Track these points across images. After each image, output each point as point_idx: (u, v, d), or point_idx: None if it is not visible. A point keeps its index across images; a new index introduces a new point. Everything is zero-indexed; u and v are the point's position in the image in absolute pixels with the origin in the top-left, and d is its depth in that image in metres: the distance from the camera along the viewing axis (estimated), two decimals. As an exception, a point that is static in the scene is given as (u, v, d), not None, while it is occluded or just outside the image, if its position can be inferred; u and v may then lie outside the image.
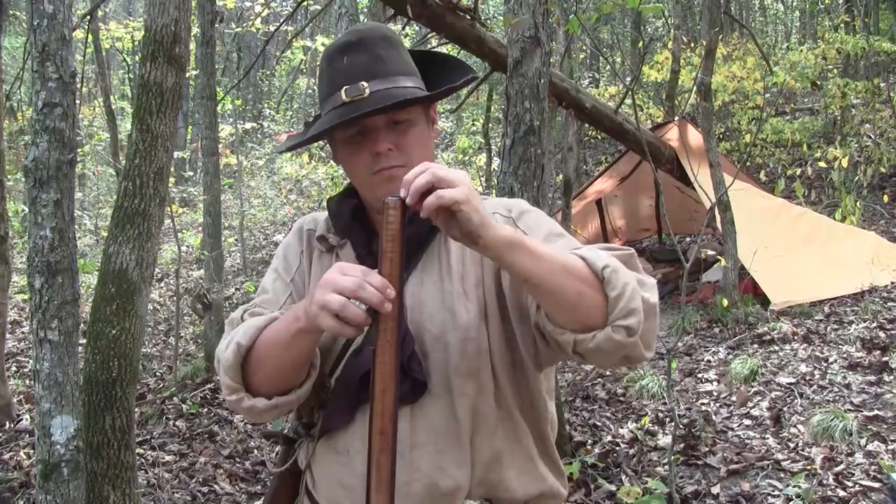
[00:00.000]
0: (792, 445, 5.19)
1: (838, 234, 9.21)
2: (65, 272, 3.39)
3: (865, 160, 13.20)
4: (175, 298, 9.47)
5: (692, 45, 16.49)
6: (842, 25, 17.46)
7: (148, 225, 4.09)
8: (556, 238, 1.70)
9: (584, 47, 16.64)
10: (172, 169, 6.31)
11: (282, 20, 12.04)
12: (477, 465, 1.69)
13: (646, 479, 4.84)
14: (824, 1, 19.94)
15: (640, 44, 18.51)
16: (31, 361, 4.03)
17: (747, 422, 5.70)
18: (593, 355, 1.53)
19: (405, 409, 1.65)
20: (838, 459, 4.86)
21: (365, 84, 1.67)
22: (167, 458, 5.97)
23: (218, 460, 5.96)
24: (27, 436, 6.08)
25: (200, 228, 10.87)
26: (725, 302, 7.95)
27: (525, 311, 1.66)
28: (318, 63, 1.88)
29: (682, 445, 5.25)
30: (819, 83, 15.37)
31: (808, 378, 6.20)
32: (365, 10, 12.40)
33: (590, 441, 5.57)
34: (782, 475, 4.80)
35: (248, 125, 16.30)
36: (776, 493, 4.58)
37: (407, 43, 20.25)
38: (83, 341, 4.21)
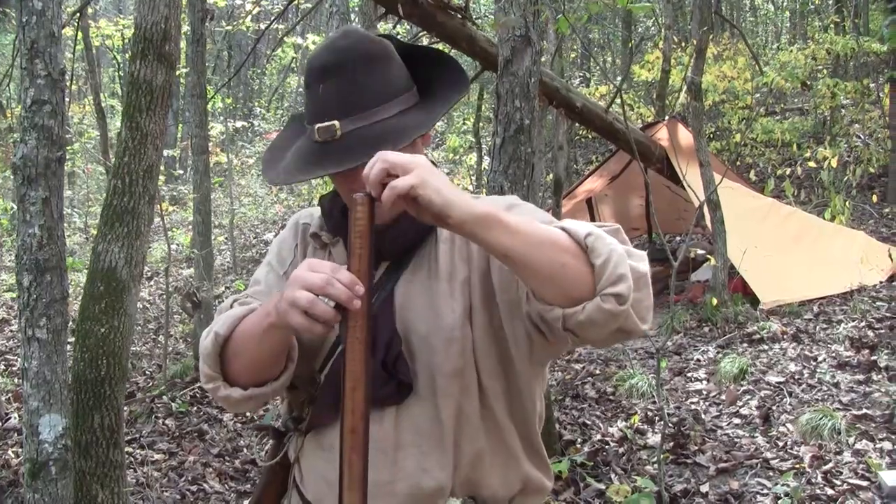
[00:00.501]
0: (781, 444, 5.20)
1: (827, 233, 9.24)
2: (53, 270, 3.38)
3: (855, 160, 13.25)
4: (165, 297, 9.45)
5: (683, 44, 16.51)
6: (832, 26, 17.50)
7: (137, 223, 4.08)
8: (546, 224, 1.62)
9: (575, 47, 16.64)
10: (162, 167, 6.30)
11: (272, 18, 12.02)
12: (461, 465, 1.68)
13: (635, 477, 4.85)
14: (814, 1, 19.98)
15: (631, 43, 18.52)
16: (19, 360, 4.02)
17: (736, 420, 5.71)
18: (585, 329, 1.47)
19: (391, 409, 1.65)
20: (827, 458, 4.88)
21: (337, 125, 1.60)
22: (156, 456, 5.96)
23: (207, 459, 5.95)
24: (15, 434, 6.06)
25: (190, 227, 10.86)
26: (715, 301, 7.96)
27: (516, 306, 1.62)
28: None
29: (671, 444, 5.26)
30: (809, 83, 15.41)
31: (797, 377, 6.22)
32: (356, 8, 12.38)
33: (579, 440, 5.57)
34: (771, 474, 4.81)
35: (239, 123, 16.29)
36: (765, 491, 4.59)
37: (398, 41, 20.19)
38: (72, 339, 4.21)
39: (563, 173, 9.79)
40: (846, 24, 17.19)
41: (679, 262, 4.78)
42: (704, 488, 4.70)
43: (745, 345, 7.15)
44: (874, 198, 11.74)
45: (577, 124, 11.10)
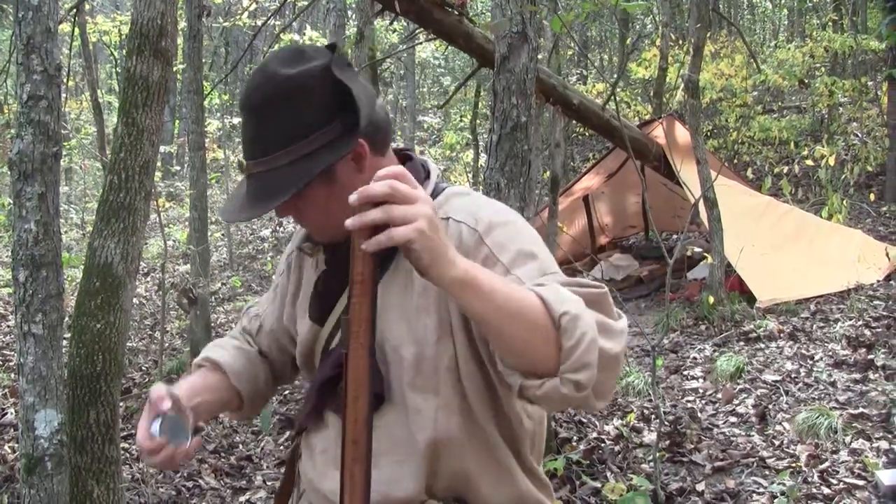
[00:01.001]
0: (777, 443, 5.20)
1: (825, 232, 9.24)
2: (49, 266, 3.37)
3: (852, 158, 13.26)
4: (161, 293, 9.44)
5: (680, 42, 16.51)
6: (829, 24, 17.53)
7: (133, 219, 4.07)
8: (525, 260, 1.58)
9: (572, 44, 16.64)
10: (159, 163, 6.29)
11: (269, 15, 11.99)
12: (439, 478, 1.67)
13: (631, 475, 4.85)
14: (812, -1, 20.00)
15: (628, 41, 18.52)
16: (15, 355, 4.02)
17: (733, 419, 5.71)
18: (539, 401, 1.46)
19: None
20: (823, 457, 4.88)
21: (250, 164, 1.63)
22: (152, 452, 5.95)
23: (203, 455, 5.95)
24: (11, 430, 6.06)
25: (187, 223, 10.85)
26: (711, 299, 7.96)
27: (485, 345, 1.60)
28: None
29: (667, 442, 5.26)
30: (806, 81, 15.41)
31: (793, 376, 6.22)
32: (353, 5, 12.36)
33: (575, 438, 5.57)
34: (767, 472, 4.81)
35: (236, 120, 16.21)
36: (761, 490, 4.59)
37: (394, 38, 20.08)
38: (68, 335, 4.20)
39: (559, 170, 9.78)
40: (844, 22, 17.22)
41: (675, 260, 4.77)
42: (700, 487, 4.70)
43: (741, 343, 7.15)
44: (872, 196, 11.76)
45: (573, 121, 11.09)
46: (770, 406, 5.77)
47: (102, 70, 22.31)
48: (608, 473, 4.98)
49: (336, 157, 1.59)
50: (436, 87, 27.52)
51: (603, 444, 5.41)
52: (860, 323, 7.06)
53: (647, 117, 13.06)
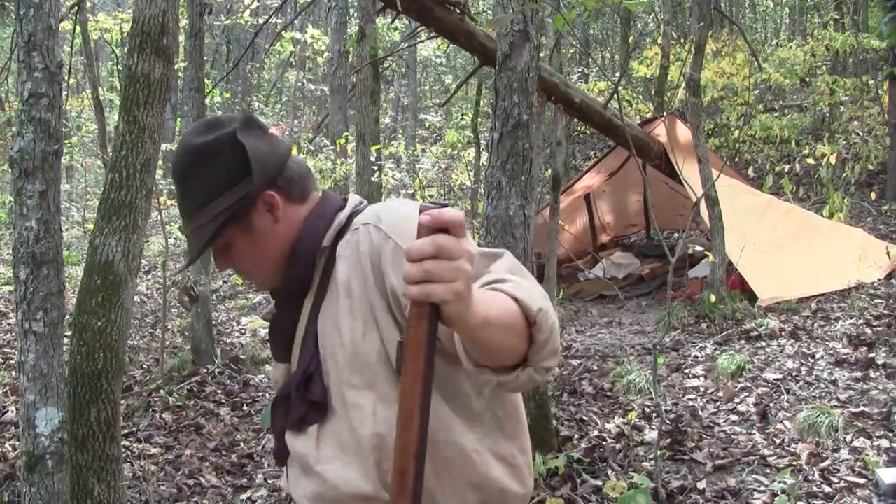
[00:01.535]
0: (778, 441, 5.20)
1: (826, 230, 9.24)
2: (50, 263, 3.37)
3: (853, 157, 13.26)
4: (162, 291, 9.44)
5: (682, 40, 16.52)
6: (831, 22, 17.51)
7: (134, 216, 4.08)
8: (486, 260, 1.66)
9: (574, 42, 16.63)
10: (160, 161, 6.29)
11: (271, 13, 12.01)
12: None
13: (632, 473, 4.84)
14: (814, -2, 19.99)
15: (630, 39, 18.51)
16: (16, 353, 4.02)
17: (734, 417, 5.71)
18: (513, 390, 1.59)
19: (313, 428, 1.75)
20: (824, 455, 4.87)
21: (185, 225, 1.82)
22: (153, 450, 5.96)
23: (204, 453, 5.95)
24: (12, 427, 6.06)
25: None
26: (713, 298, 7.96)
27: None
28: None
29: (668, 441, 5.26)
30: (808, 80, 15.40)
31: (794, 374, 6.22)
32: (355, 3, 12.37)
33: (576, 436, 5.57)
34: (768, 471, 4.80)
35: (237, 118, 16.21)
36: (762, 488, 4.58)
37: (396, 37, 20.06)
38: (69, 333, 4.20)
39: (561, 169, 9.78)
40: (845, 21, 17.19)
41: (677, 259, 4.77)
42: (701, 485, 4.70)
43: (742, 342, 7.14)
44: (872, 195, 11.75)
45: (575, 120, 11.09)
46: (771, 404, 5.77)
47: (104, 68, 22.35)
48: (609, 471, 4.98)
49: (240, 209, 1.76)
50: (437, 85, 27.53)
51: (604, 443, 5.41)
52: (861, 321, 7.05)
53: (649, 116, 13.05)
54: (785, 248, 8.63)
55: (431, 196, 14.34)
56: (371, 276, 1.70)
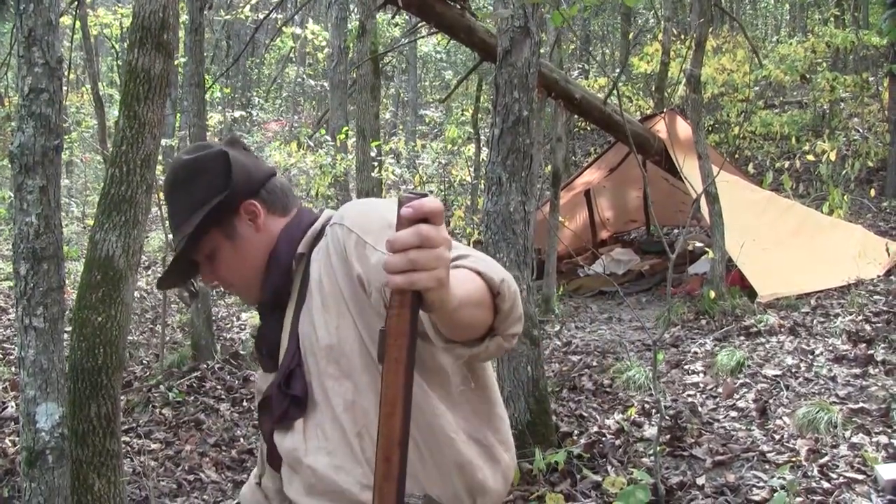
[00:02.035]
0: (777, 437, 5.20)
1: (825, 227, 9.24)
2: (50, 259, 3.37)
3: (853, 154, 13.25)
4: (162, 286, 9.42)
5: (682, 36, 16.52)
6: (831, 19, 17.48)
7: (135, 212, 4.08)
8: (388, 232, 1.64)
9: (574, 38, 16.63)
10: (160, 157, 6.29)
11: (271, 8, 11.99)
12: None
13: (631, 469, 4.85)
14: (814, -6, 19.98)
15: (630, 36, 18.50)
16: (16, 348, 4.02)
17: (733, 413, 5.71)
18: (484, 359, 1.65)
19: (299, 422, 1.82)
20: (823, 451, 4.88)
21: (174, 240, 1.93)
22: (153, 446, 5.97)
23: (204, 448, 5.96)
24: (12, 423, 6.06)
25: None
26: (712, 294, 7.96)
27: None
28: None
29: (667, 437, 5.26)
30: (808, 76, 15.42)
31: (793, 370, 6.22)
32: (355, -2, 12.36)
33: (576, 432, 5.57)
34: (767, 467, 4.81)
35: (237, 113, 16.24)
36: (761, 484, 4.59)
37: (397, 32, 20.03)
38: (69, 328, 4.20)
39: (561, 165, 9.79)
40: (846, 18, 17.18)
41: (676, 255, 4.77)
42: (701, 481, 4.70)
43: (742, 338, 7.14)
44: (872, 191, 11.74)
45: (575, 116, 11.09)
46: (770, 400, 5.77)
47: (103, 63, 22.31)
48: (609, 467, 4.98)
49: (223, 214, 1.87)
50: (437, 81, 27.50)
51: (604, 438, 5.41)
52: (860, 318, 7.05)
53: (649, 112, 13.05)
54: (785, 244, 8.63)
55: (431, 192, 14.33)
56: (340, 269, 1.77)
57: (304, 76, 22.01)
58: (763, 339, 6.96)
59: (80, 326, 3.99)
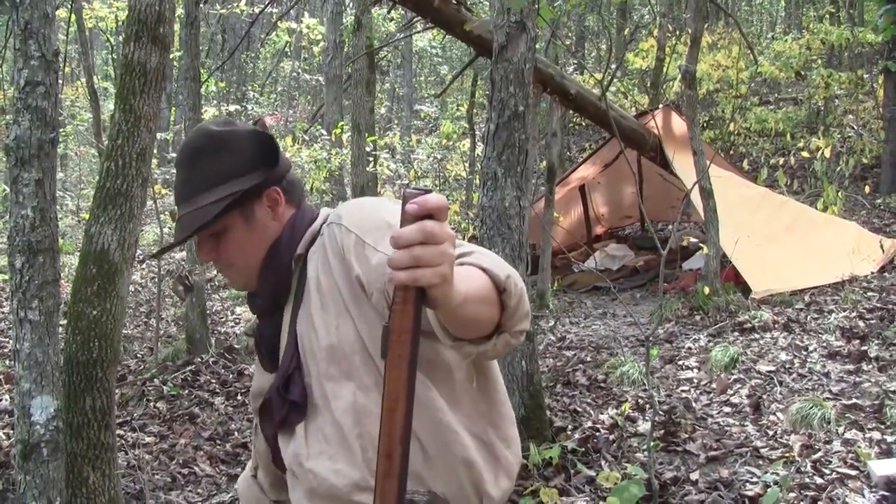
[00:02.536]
0: (771, 433, 5.22)
1: (820, 223, 9.26)
2: (46, 252, 3.37)
3: (848, 151, 13.29)
4: (156, 280, 9.44)
5: (678, 33, 16.50)
6: (826, 16, 17.52)
7: (130, 206, 4.08)
8: (385, 233, 1.67)
9: (570, 33, 16.63)
10: (155, 150, 6.29)
11: (267, 2, 11.98)
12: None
13: (625, 464, 4.86)
14: (810, -9, 19.98)
15: (626, 31, 18.51)
16: (11, 341, 4.02)
17: (727, 409, 5.73)
18: (493, 357, 1.64)
19: (300, 427, 1.80)
20: (816, 447, 4.89)
21: (181, 208, 1.87)
22: (147, 439, 5.97)
23: (198, 442, 5.96)
24: (7, 416, 6.06)
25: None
26: (707, 290, 7.98)
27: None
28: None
29: (661, 432, 5.28)
30: (803, 73, 15.43)
31: (787, 366, 6.24)
32: (351, -7, 12.35)
33: (570, 426, 5.58)
34: (761, 462, 4.82)
35: (232, 107, 16.22)
36: (754, 479, 4.60)
37: (392, 27, 20.00)
38: (64, 322, 4.20)
39: (556, 160, 9.79)
40: (841, 15, 17.21)
41: (670, 251, 4.78)
42: (694, 476, 4.72)
43: (736, 334, 7.16)
44: (867, 188, 11.77)
45: (571, 111, 11.09)
46: (764, 396, 5.79)
47: (98, 56, 22.27)
48: (603, 462, 4.99)
49: (248, 197, 1.84)
50: (433, 76, 27.49)
51: (598, 433, 5.42)
52: (854, 314, 7.08)
53: (645, 107, 13.06)
54: (779, 240, 8.65)
55: (426, 187, 14.31)
56: (338, 269, 1.76)
57: (300, 70, 22.00)
58: (757, 335, 6.98)
59: (76, 320, 3.99)
